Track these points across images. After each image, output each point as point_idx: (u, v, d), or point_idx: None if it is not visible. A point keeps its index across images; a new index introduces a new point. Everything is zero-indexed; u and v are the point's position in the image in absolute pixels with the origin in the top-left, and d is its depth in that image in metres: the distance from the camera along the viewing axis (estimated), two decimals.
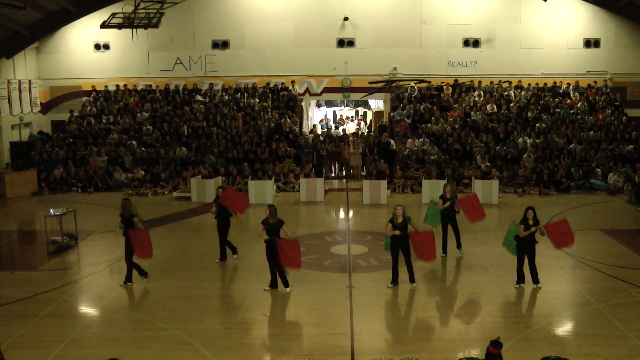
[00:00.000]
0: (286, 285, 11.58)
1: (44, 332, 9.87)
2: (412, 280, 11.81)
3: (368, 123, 32.65)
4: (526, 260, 11.67)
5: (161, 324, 10.15)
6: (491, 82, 27.38)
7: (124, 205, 12.32)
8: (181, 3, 26.41)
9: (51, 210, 15.20)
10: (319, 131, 26.81)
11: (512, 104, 26.17)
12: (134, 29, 24.29)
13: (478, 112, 25.81)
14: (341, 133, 27.05)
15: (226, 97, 27.27)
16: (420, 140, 24.34)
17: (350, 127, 30.38)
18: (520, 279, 11.71)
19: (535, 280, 11.68)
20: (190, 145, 24.29)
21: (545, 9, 26.52)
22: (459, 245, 14.01)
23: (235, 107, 26.73)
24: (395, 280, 11.79)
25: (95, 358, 8.87)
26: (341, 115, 33.86)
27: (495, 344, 7.06)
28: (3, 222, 18.85)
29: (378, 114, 31.08)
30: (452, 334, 9.74)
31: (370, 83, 27.86)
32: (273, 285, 11.66)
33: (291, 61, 27.83)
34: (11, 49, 25.87)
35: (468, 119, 25.52)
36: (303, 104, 28.33)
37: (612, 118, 25.22)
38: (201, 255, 14.10)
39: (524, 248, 11.58)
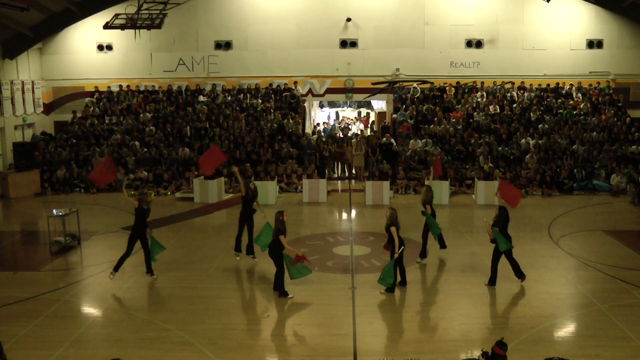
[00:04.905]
0: (285, 294, 11.50)
1: (46, 333, 9.88)
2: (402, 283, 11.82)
3: (370, 124, 32.68)
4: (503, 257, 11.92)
5: (164, 325, 10.16)
6: (494, 83, 27.37)
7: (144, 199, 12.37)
8: (184, 4, 26.46)
9: (54, 210, 15.23)
10: (321, 131, 26.88)
11: (514, 105, 26.15)
12: (137, 30, 24.33)
13: (481, 113, 25.80)
14: (341, 134, 27.05)
15: (229, 98, 27.30)
16: (423, 141, 24.34)
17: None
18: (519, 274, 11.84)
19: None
20: (193, 146, 24.32)
21: (547, 10, 26.50)
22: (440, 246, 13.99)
23: (237, 108, 26.76)
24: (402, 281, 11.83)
25: (98, 358, 8.88)
26: (345, 117, 33.92)
27: (501, 345, 7.09)
28: (6, 223, 18.92)
29: (381, 115, 31.11)
30: (454, 335, 9.73)
31: (372, 84, 27.87)
32: (282, 292, 11.53)
33: (294, 62, 27.85)
34: (14, 50, 25.94)
35: (471, 120, 25.51)
36: (306, 104, 28.35)
37: (615, 119, 25.19)
38: (204, 256, 14.10)
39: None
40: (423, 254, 13.57)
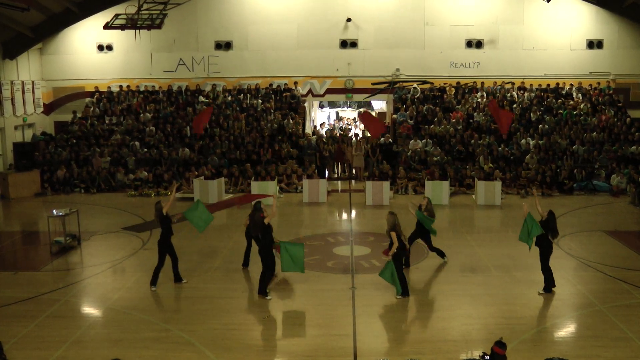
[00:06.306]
0: (265, 292, 11.42)
1: (46, 333, 9.88)
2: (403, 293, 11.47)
3: None
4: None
5: (164, 325, 10.15)
6: (494, 83, 27.36)
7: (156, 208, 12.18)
8: (184, 4, 26.46)
9: (54, 211, 15.22)
10: (322, 132, 26.90)
11: (515, 105, 26.15)
12: (137, 30, 24.35)
13: (481, 113, 25.80)
14: (339, 133, 27.06)
15: (229, 98, 27.31)
16: (423, 141, 24.34)
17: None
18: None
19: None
20: (193, 146, 24.33)
21: (548, 10, 26.50)
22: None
23: (238, 108, 26.77)
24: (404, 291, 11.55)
25: (98, 359, 8.88)
26: (344, 118, 33.91)
27: (501, 345, 7.11)
28: (6, 223, 18.92)
29: (381, 115, 31.10)
30: (454, 335, 9.72)
31: (373, 84, 27.87)
32: (262, 290, 11.49)
33: (294, 62, 27.87)
34: (15, 50, 25.96)
35: (471, 120, 25.51)
36: (306, 105, 28.35)
37: (615, 119, 25.19)
38: (204, 256, 14.11)
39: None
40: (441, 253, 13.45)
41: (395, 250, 11.19)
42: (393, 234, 11.23)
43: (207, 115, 13.73)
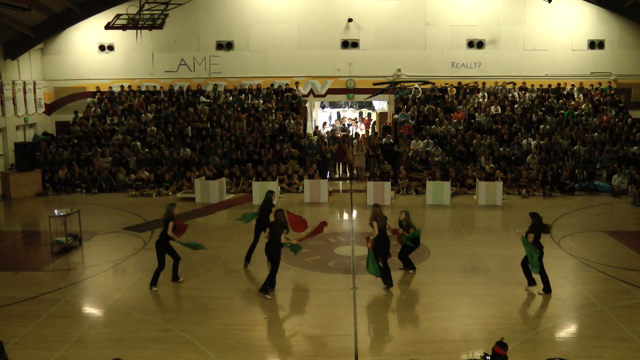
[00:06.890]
0: (265, 290, 11.49)
1: (47, 333, 9.89)
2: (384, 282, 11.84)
3: (372, 124, 32.67)
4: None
5: (165, 325, 10.16)
6: (495, 84, 27.35)
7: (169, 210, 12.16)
8: (185, 4, 26.46)
9: (55, 210, 15.21)
10: (323, 132, 26.90)
11: (516, 106, 26.13)
12: (139, 30, 24.35)
13: (482, 114, 25.79)
14: (341, 133, 27.07)
15: (230, 98, 27.32)
16: (424, 141, 24.33)
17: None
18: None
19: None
20: (195, 146, 24.34)
21: (549, 10, 26.50)
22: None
23: (239, 108, 26.77)
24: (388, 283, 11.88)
25: (99, 359, 8.89)
26: (345, 117, 33.88)
27: (502, 345, 7.11)
28: (7, 223, 18.93)
29: (382, 116, 31.10)
30: (455, 336, 9.72)
31: (374, 84, 27.87)
32: (264, 288, 11.53)
33: (295, 62, 27.87)
34: (16, 50, 25.97)
35: (472, 121, 25.50)
36: (307, 105, 28.36)
37: (617, 119, 25.17)
38: (205, 256, 14.09)
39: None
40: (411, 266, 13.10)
41: (374, 240, 11.76)
42: (374, 223, 11.79)
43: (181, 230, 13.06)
